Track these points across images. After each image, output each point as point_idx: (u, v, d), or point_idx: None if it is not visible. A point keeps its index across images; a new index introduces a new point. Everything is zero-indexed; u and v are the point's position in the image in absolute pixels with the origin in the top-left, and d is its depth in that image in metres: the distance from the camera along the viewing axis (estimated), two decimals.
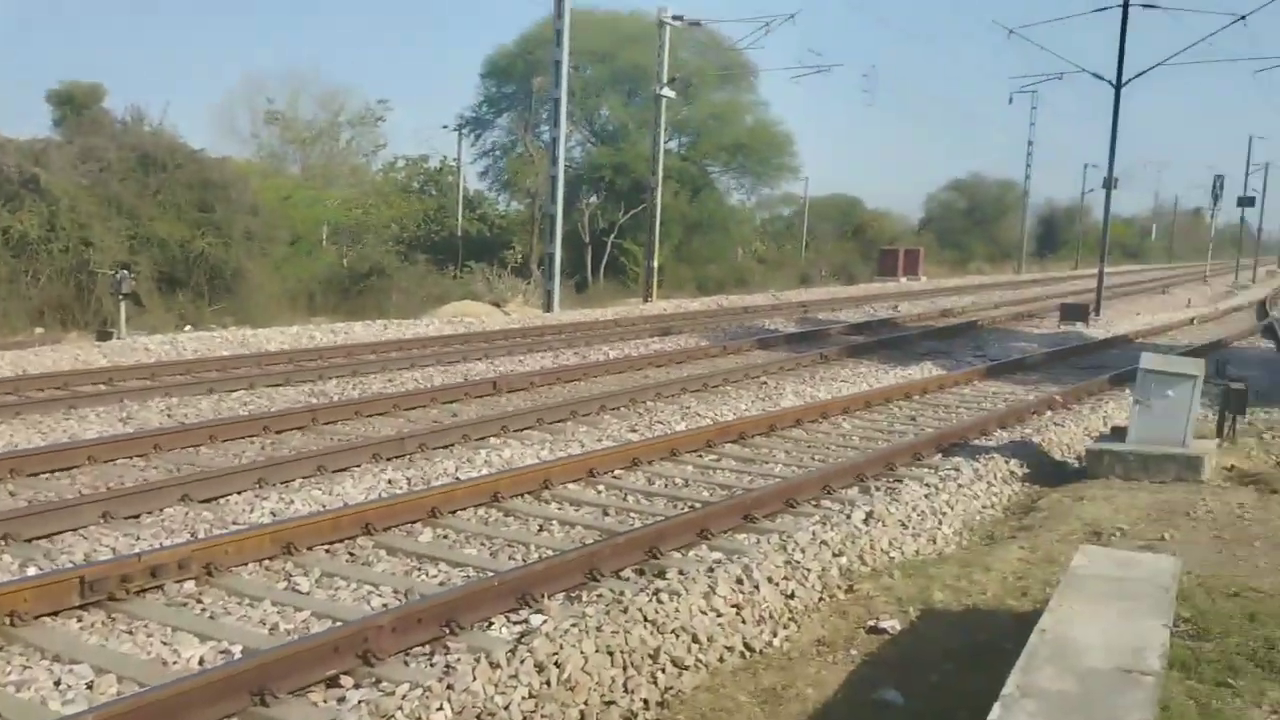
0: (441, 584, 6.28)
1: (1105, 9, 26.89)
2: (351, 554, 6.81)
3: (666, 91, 30.20)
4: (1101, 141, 27.80)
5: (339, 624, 5.39)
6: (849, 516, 7.53)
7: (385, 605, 5.83)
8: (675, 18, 29.95)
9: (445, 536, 7.26)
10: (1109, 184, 30.11)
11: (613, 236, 38.27)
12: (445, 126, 43.22)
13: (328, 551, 6.78)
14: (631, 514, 7.93)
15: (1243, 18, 26.19)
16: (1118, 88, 27.10)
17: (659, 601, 5.51)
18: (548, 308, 25.55)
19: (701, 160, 41.68)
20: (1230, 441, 10.65)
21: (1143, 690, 3.77)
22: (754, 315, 26.01)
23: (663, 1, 29.96)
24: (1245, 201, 57.70)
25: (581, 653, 4.92)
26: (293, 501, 7.74)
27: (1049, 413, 12.66)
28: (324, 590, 6.16)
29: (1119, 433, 9.72)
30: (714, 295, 33.89)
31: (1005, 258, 68.96)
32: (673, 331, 21.23)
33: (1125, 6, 26.41)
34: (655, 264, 30.85)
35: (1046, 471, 9.86)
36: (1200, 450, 9.15)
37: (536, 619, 5.56)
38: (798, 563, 6.44)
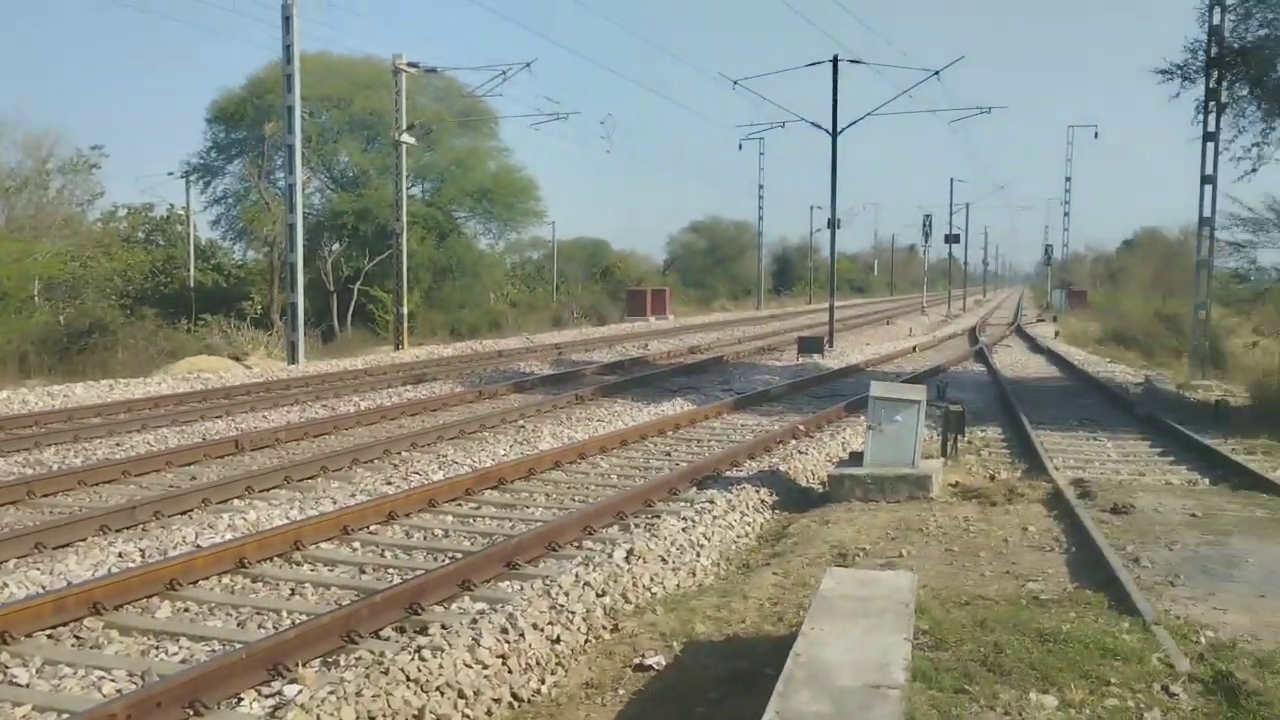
0: (184, 662, 5.83)
1: (818, 64, 28.97)
2: (78, 637, 6.21)
3: (406, 138, 29.88)
4: (825, 184, 29.72)
5: (64, 716, 4.89)
6: (611, 556, 7.58)
7: (119, 691, 5.35)
8: (411, 64, 29.72)
9: (186, 610, 6.76)
10: (833, 224, 32.30)
11: (359, 284, 37.33)
12: (171, 173, 41.03)
13: (50, 637, 6.15)
14: (390, 570, 7.66)
15: (936, 73, 29.03)
16: (834, 135, 29.21)
17: (422, 659, 5.34)
18: (292, 359, 24.51)
19: (447, 205, 41.44)
20: (953, 459, 11.55)
21: (890, 704, 3.97)
22: (508, 359, 25.95)
23: (398, 48, 29.78)
24: (952, 238, 63.32)
25: None
26: (5, 585, 6.99)
27: (793, 441, 13.27)
28: (46, 680, 5.57)
29: (856, 457, 10.30)
30: (467, 340, 33.60)
31: (746, 294, 72.25)
32: (426, 379, 20.83)
33: (835, 62, 28.52)
34: (405, 310, 30.28)
35: (794, 498, 10.32)
36: (928, 469, 9.84)
37: (291, 690, 5.25)
38: (562, 606, 6.42)
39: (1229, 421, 15.15)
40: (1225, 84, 20.05)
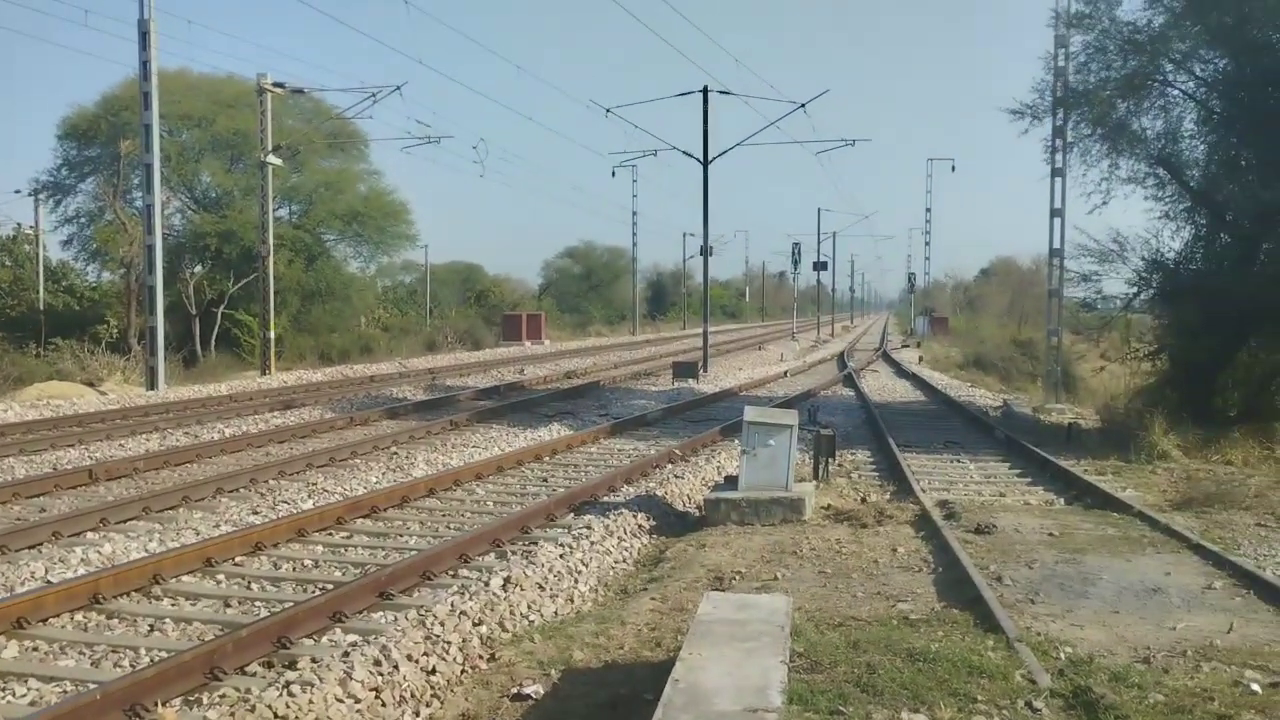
0: (33, 704, 5.50)
1: (689, 94, 29.49)
2: None
3: (272, 159, 29.12)
4: (698, 212, 30.18)
5: None
6: (487, 584, 7.47)
7: None
8: (277, 84, 29.03)
9: (35, 649, 6.38)
10: (705, 251, 32.80)
11: (223, 307, 36.13)
12: (18, 191, 39.00)
13: None
14: (257, 603, 7.39)
15: (803, 105, 29.83)
16: (705, 164, 29.72)
17: (290, 695, 5.16)
18: (151, 385, 23.50)
19: (315, 228, 40.51)
20: (825, 482, 11.78)
21: None
22: (381, 384, 25.45)
23: (262, 67, 29.07)
24: (820, 266, 64.91)
25: None
26: None
27: (669, 466, 13.36)
28: None
29: (731, 481, 10.42)
30: (338, 365, 32.86)
31: (621, 319, 72.63)
32: (295, 405, 20.25)
33: (705, 92, 29.06)
34: (272, 335, 29.41)
35: (671, 522, 10.36)
36: (801, 492, 10.01)
37: None
38: (438, 636, 6.29)
39: (1081, 443, 15.87)
40: (1070, 123, 21.14)
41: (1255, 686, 5.43)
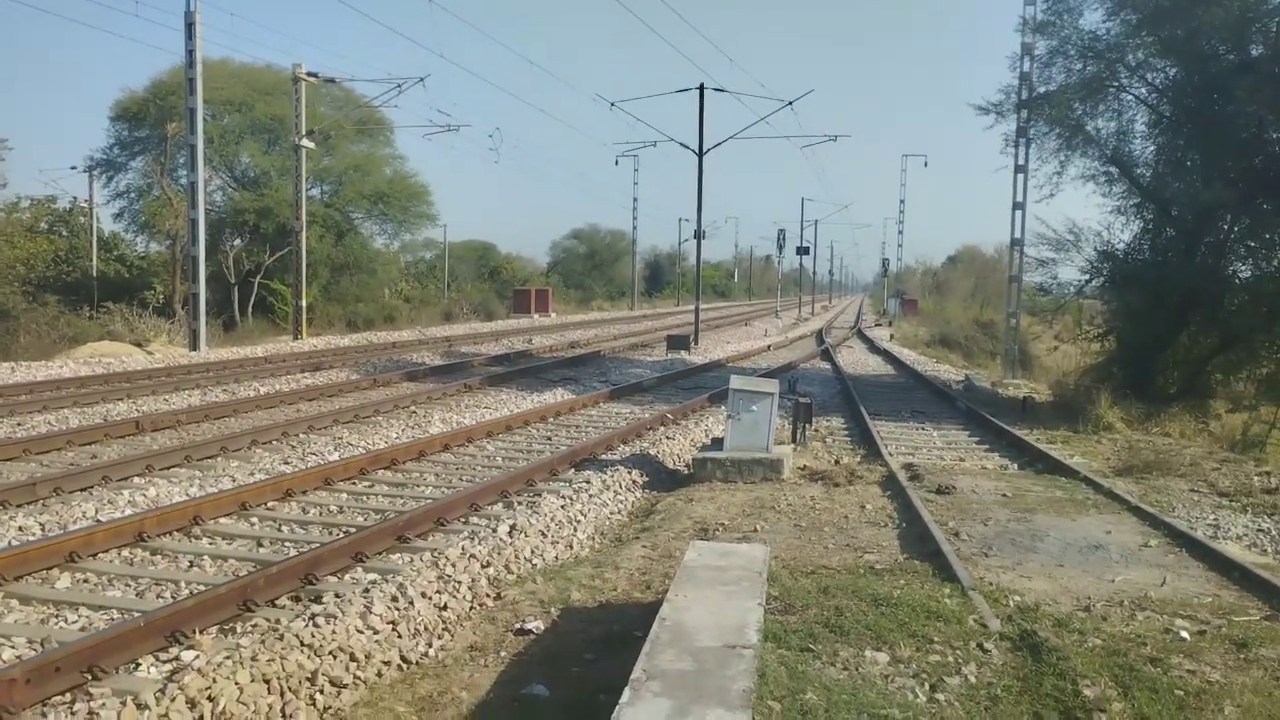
0: (83, 629, 5.52)
1: (686, 90, 29.26)
2: None
3: (306, 143, 28.89)
4: (693, 199, 30.05)
5: None
6: (495, 530, 7.50)
7: (19, 657, 5.03)
8: (310, 74, 28.75)
9: (86, 581, 6.40)
10: (698, 235, 32.67)
11: (260, 277, 35.99)
12: (74, 168, 38.69)
13: None
14: (286, 544, 7.41)
15: (790, 103, 29.61)
16: (700, 155, 29.53)
17: (315, 625, 5.18)
18: (194, 346, 23.46)
19: (345, 207, 40.26)
20: (802, 445, 11.81)
21: (744, 662, 4.03)
22: (402, 350, 25.41)
23: (298, 58, 28.77)
24: (802, 250, 64.65)
25: (236, 684, 4.51)
26: None
27: (662, 428, 13.37)
28: None
29: (718, 443, 10.44)
30: (363, 332, 32.77)
31: (621, 296, 72.47)
32: (324, 367, 20.23)
33: (701, 89, 28.85)
34: (304, 303, 29.30)
35: (663, 478, 10.39)
36: (780, 454, 10.03)
37: (188, 655, 5.02)
38: (449, 576, 6.31)
39: (1035, 415, 15.91)
40: (1031, 122, 21.04)
41: (1184, 634, 5.47)
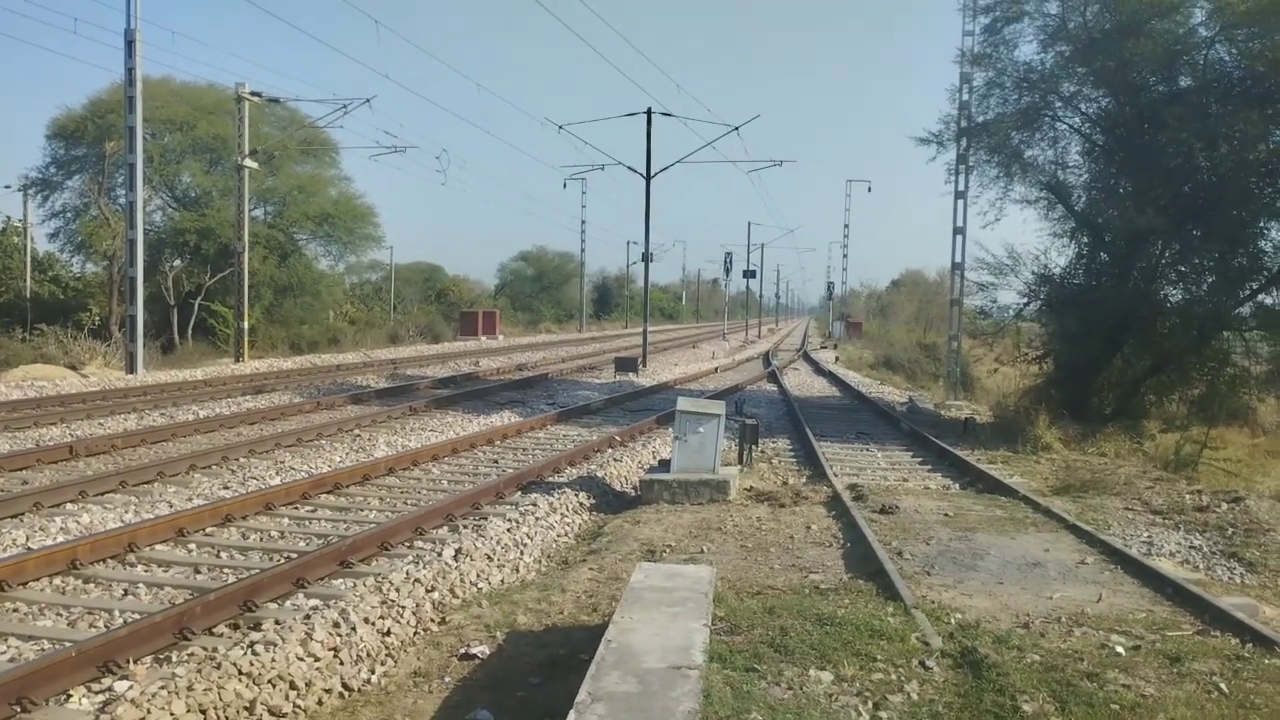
0: (11, 660, 5.35)
1: (634, 114, 29.44)
2: None
3: (249, 162, 28.54)
4: (641, 222, 30.22)
5: None
6: (440, 554, 7.42)
7: None
8: (254, 93, 28.45)
9: (15, 610, 6.20)
10: (646, 258, 32.83)
11: (200, 299, 35.36)
12: (8, 186, 37.80)
13: None
14: (225, 570, 7.26)
15: (736, 128, 29.94)
16: (648, 179, 29.74)
17: (254, 653, 5.07)
18: (131, 369, 22.92)
19: (289, 228, 39.80)
20: (749, 467, 11.87)
21: (690, 683, 4.03)
22: (347, 373, 25.09)
23: (242, 77, 28.48)
24: (749, 274, 65.42)
25: (171, 714, 4.41)
26: None
27: (610, 450, 13.35)
28: None
29: (665, 464, 10.46)
30: (307, 354, 32.30)
31: (569, 318, 72.37)
32: (266, 390, 19.89)
33: (649, 113, 29.06)
34: (246, 325, 28.84)
35: (610, 500, 10.37)
36: (727, 475, 10.08)
37: (121, 686, 4.89)
38: (393, 601, 6.23)
39: (976, 436, 16.18)
40: (971, 150, 21.53)
41: (1119, 649, 5.59)
